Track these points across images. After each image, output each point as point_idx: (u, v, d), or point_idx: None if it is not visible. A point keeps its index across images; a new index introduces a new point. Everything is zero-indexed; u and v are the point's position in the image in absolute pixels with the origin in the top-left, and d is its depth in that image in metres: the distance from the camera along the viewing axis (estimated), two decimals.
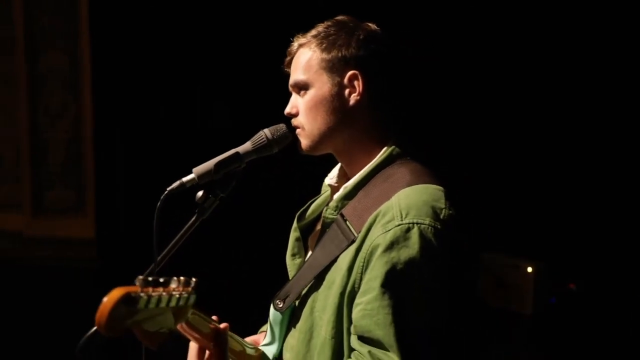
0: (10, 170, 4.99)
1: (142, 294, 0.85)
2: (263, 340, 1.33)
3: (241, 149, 1.23)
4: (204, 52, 4.17)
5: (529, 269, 3.77)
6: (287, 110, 1.27)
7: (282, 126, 1.25)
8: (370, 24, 1.27)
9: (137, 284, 0.86)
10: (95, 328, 1.10)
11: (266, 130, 1.24)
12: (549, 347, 3.52)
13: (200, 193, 1.20)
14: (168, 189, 1.19)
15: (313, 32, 1.25)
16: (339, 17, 1.27)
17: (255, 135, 1.24)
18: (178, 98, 4.28)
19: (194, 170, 1.21)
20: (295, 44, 1.26)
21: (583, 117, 3.59)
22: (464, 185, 3.64)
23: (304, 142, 1.26)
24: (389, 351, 1.07)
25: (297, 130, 1.26)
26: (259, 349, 1.30)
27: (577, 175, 3.69)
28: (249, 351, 1.28)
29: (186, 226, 1.20)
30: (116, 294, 0.82)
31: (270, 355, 1.29)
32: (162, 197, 1.18)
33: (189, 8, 4.15)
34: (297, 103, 1.25)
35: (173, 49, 4.25)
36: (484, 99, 3.82)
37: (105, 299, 0.81)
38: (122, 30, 4.28)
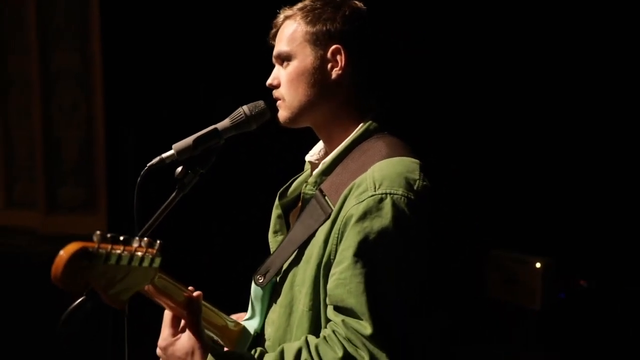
0: (24, 168, 5.09)
1: (100, 250, 0.84)
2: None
3: (220, 125, 1.24)
4: (213, 50, 4.21)
5: (538, 265, 3.73)
6: (269, 81, 1.27)
7: (260, 103, 1.26)
8: (356, 2, 1.28)
9: (95, 239, 0.85)
10: (77, 301, 1.13)
11: (244, 107, 1.25)
12: (558, 343, 3.48)
13: (179, 169, 1.22)
14: (148, 164, 1.21)
15: (299, 5, 1.27)
16: None
17: (234, 112, 1.26)
18: (188, 96, 4.33)
19: (174, 146, 1.22)
20: (281, 16, 1.28)
21: (593, 113, 3.56)
22: (467, 179, 3.63)
23: (284, 113, 1.26)
24: (361, 319, 1.07)
25: (278, 102, 1.27)
26: (240, 324, 1.31)
27: (586, 171, 3.65)
28: (230, 326, 1.29)
29: (166, 202, 1.22)
30: (72, 247, 0.82)
31: (252, 330, 1.30)
32: (142, 172, 1.20)
33: (197, 8, 4.20)
34: (279, 75, 1.26)
35: (183, 48, 4.30)
36: (489, 94, 3.80)
37: (61, 252, 0.81)
38: (133, 30, 4.34)
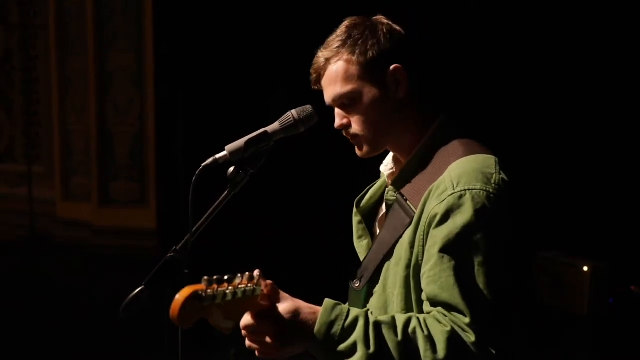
0: (80, 162, 5.30)
1: (208, 292, 0.98)
2: None
3: (269, 128, 1.29)
4: (264, 48, 4.28)
5: (585, 268, 3.66)
6: (338, 123, 1.27)
7: (308, 107, 1.30)
8: (380, 17, 1.28)
9: (203, 283, 0.99)
10: (138, 289, 1.21)
11: (293, 111, 1.30)
12: (606, 351, 3.40)
13: (231, 169, 1.27)
14: (202, 164, 1.27)
15: (336, 42, 1.24)
16: (350, 21, 1.27)
17: (283, 116, 1.30)
18: (239, 94, 4.43)
19: (226, 147, 1.28)
20: (321, 59, 1.25)
21: None
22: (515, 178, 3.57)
23: (366, 149, 1.27)
24: (457, 311, 1.11)
25: (354, 140, 1.28)
26: None
27: (638, 173, 3.55)
28: None
29: (218, 201, 1.28)
30: (186, 291, 0.96)
31: None
32: (196, 172, 1.26)
33: (248, 8, 4.29)
34: (343, 114, 1.26)
35: (233, 47, 4.40)
36: (539, 92, 3.74)
37: (177, 297, 0.95)
38: (185, 31, 4.47)
